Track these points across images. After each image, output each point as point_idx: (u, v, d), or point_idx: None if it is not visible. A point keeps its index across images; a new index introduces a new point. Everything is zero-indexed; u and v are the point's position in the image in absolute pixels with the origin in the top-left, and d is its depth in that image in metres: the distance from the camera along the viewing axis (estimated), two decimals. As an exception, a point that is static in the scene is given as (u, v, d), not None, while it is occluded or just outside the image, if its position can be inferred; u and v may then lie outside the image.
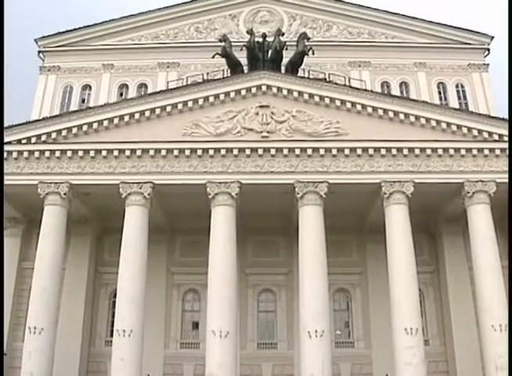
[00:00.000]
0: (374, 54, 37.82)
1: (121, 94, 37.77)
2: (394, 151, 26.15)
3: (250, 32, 32.11)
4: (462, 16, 69.11)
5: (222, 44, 31.62)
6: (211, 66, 34.29)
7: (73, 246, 29.81)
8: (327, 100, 26.96)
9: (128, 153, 26.22)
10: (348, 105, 26.85)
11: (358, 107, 26.87)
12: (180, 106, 26.93)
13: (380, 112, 26.75)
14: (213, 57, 31.46)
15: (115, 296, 25.84)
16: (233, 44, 32.04)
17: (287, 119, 26.87)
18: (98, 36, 38.71)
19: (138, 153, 26.23)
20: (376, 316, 28.82)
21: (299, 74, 30.50)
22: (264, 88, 27.31)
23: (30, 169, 26.25)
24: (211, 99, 27.04)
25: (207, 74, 31.71)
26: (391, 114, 26.72)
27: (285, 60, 31.22)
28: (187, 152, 26.17)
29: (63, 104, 37.37)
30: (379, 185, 26.02)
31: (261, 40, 31.62)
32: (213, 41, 35.73)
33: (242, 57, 31.35)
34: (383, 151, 26.17)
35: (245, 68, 30.77)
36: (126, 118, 26.80)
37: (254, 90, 27.23)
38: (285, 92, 27.17)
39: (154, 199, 26.58)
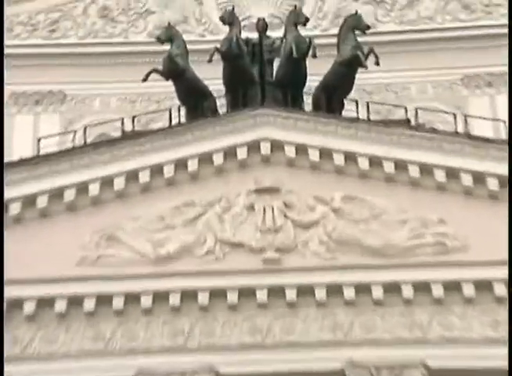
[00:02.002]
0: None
1: None
2: None
3: (229, 19, 27.20)
4: None
5: (167, 47, 26.98)
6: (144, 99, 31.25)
7: None
8: (414, 171, 21.66)
9: None
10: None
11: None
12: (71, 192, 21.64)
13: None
14: (144, 81, 27.14)
15: None
16: (192, 47, 27.59)
17: (322, 218, 21.62)
18: None
19: None
20: None
21: (345, 115, 25.56)
22: (266, 147, 22.09)
23: None
24: (144, 176, 21.93)
25: (134, 117, 26.74)
26: None
27: (312, 80, 26.33)
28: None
29: None
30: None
31: (255, 36, 27.13)
32: (143, 41, 32.37)
33: (210, 78, 26.66)
34: None
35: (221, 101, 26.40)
36: None
37: (242, 153, 22.03)
38: (314, 155, 21.80)
39: None
